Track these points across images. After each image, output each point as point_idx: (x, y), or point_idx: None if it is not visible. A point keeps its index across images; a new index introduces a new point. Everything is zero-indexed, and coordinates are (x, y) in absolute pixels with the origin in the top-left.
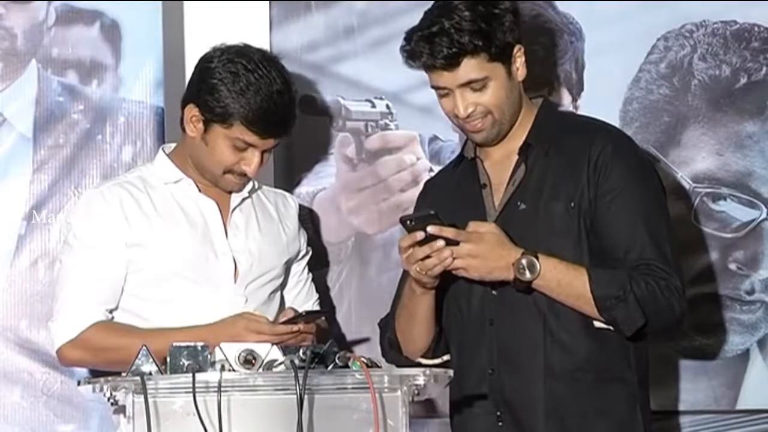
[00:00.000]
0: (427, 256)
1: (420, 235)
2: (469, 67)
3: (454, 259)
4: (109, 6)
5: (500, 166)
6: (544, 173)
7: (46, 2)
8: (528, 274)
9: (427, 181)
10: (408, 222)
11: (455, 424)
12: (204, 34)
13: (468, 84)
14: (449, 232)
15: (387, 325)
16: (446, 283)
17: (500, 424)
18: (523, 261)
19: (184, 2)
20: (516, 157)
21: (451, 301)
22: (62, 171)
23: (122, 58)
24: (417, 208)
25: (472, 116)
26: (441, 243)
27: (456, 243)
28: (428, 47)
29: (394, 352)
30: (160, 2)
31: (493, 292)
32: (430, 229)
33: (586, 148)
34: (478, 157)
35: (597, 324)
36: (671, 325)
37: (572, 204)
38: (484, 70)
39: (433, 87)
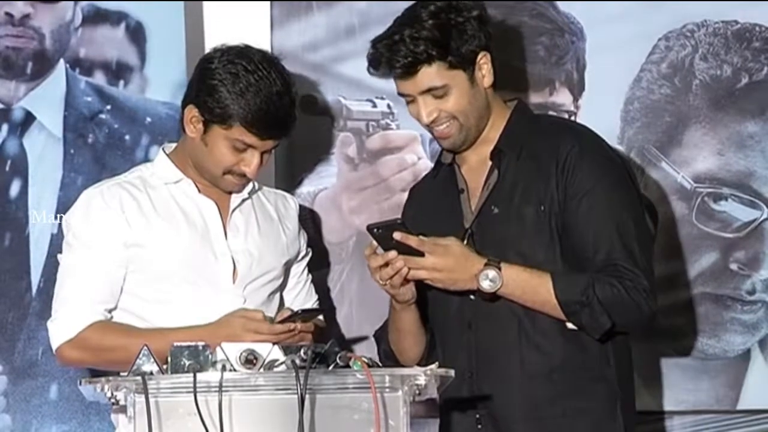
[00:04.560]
0: (386, 265)
1: (374, 244)
2: (427, 76)
3: (418, 270)
4: (134, 7)
5: (476, 171)
6: (516, 177)
7: (72, 2)
8: (491, 285)
9: (411, 188)
10: (375, 230)
11: (441, 425)
12: (223, 34)
13: (429, 91)
14: (413, 241)
15: (381, 337)
16: (430, 287)
17: (479, 426)
18: (485, 272)
19: (203, 2)
20: (490, 161)
21: (434, 305)
22: (92, 171)
23: (147, 59)
24: (403, 214)
25: (436, 122)
26: (393, 253)
27: (421, 253)
28: (387, 56)
29: (390, 363)
30: (182, 2)
31: (471, 296)
32: (396, 235)
33: (554, 150)
34: (455, 163)
35: (569, 325)
36: (641, 325)
37: (542, 206)
38: (444, 78)
39: (399, 94)
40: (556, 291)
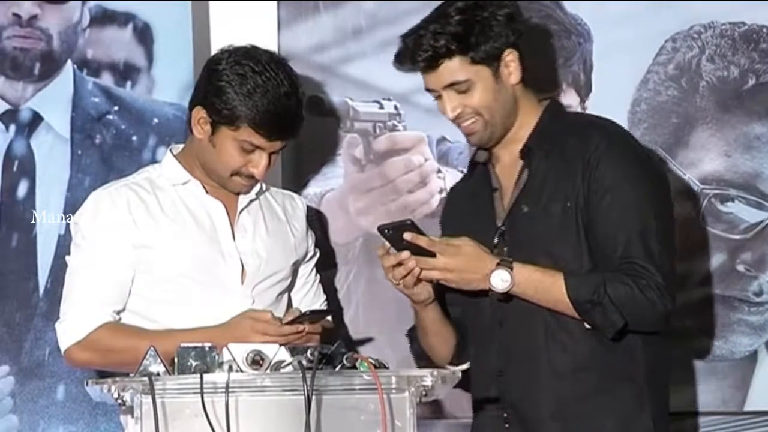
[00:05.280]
0: (399, 265)
1: (387, 244)
2: (449, 70)
3: (430, 270)
4: (141, 8)
5: (508, 170)
6: (546, 175)
7: (80, 3)
8: (502, 285)
9: (451, 189)
10: (386, 231)
11: (472, 425)
12: (230, 35)
13: (452, 86)
14: (423, 242)
15: (413, 336)
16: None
17: (507, 425)
18: (496, 272)
19: (210, 2)
20: (521, 160)
21: (467, 303)
22: (99, 172)
23: (155, 60)
24: (442, 214)
25: (461, 118)
26: (406, 253)
27: (432, 254)
28: (411, 49)
29: (422, 362)
30: (189, 2)
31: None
32: (406, 236)
33: (582, 147)
34: (489, 161)
35: (586, 325)
36: (656, 324)
37: (569, 204)
38: (466, 73)
39: (426, 90)
40: (568, 290)
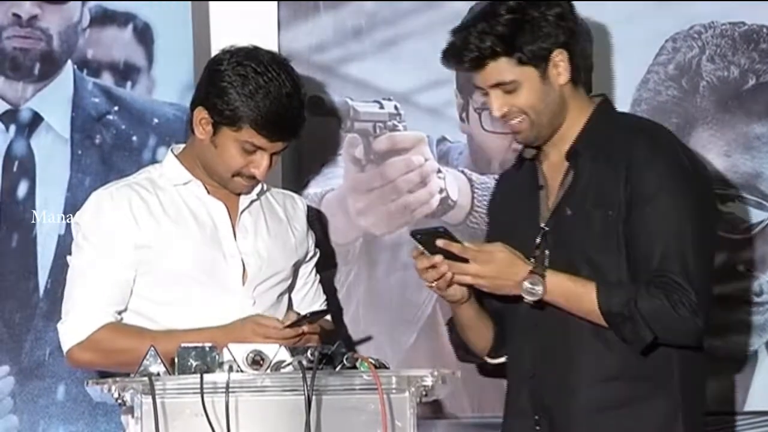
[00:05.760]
0: (432, 268)
1: (421, 249)
2: (495, 71)
3: (463, 275)
4: (141, 8)
5: (555, 169)
6: (590, 179)
7: (80, 3)
8: (533, 292)
9: (500, 175)
10: (418, 236)
11: (502, 425)
12: (230, 35)
13: (498, 86)
14: (455, 248)
15: (452, 327)
16: None
17: (537, 428)
18: (528, 279)
19: (210, 2)
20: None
21: (503, 306)
22: (99, 172)
23: (155, 60)
24: (492, 197)
25: (507, 116)
26: (440, 257)
27: (465, 260)
28: (458, 47)
29: (462, 351)
30: (189, 2)
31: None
32: (439, 243)
33: (627, 153)
34: (537, 158)
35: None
36: (687, 339)
37: (610, 212)
38: (512, 74)
39: (474, 86)
40: (599, 302)
